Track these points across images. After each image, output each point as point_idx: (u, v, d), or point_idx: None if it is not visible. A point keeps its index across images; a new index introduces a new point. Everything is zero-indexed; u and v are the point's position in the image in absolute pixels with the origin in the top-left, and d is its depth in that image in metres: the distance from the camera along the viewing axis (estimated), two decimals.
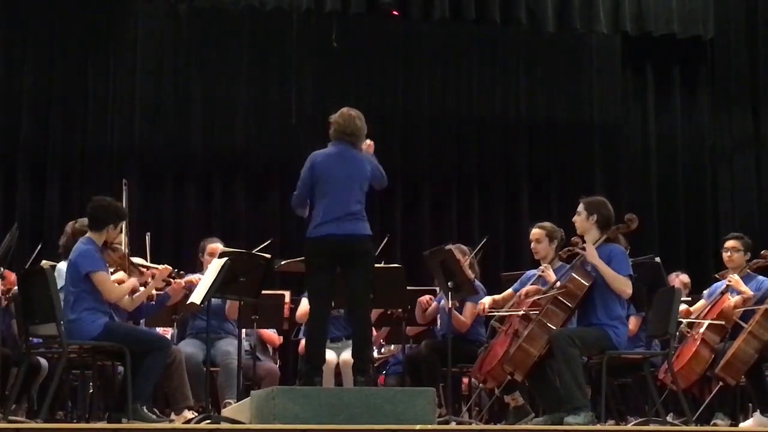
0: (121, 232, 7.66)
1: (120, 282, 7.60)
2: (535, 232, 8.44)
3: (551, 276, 7.99)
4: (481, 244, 9.27)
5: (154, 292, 7.94)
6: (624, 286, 7.43)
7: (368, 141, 7.63)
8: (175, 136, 12.39)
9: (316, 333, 7.40)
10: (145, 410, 7.29)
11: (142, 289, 7.86)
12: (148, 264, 8.03)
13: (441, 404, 8.33)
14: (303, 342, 9.46)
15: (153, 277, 7.80)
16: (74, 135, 12.07)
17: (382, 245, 9.46)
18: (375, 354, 10.43)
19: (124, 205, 7.79)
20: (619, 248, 7.56)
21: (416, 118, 13.02)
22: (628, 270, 7.49)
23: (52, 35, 12.11)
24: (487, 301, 8.52)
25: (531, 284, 8.23)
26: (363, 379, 7.20)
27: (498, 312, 8.43)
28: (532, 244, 8.45)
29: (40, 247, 9.05)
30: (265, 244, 8.64)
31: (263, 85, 12.64)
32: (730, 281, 8.72)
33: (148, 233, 8.41)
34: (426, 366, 8.70)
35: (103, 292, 7.34)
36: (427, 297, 9.05)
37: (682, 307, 8.73)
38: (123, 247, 7.74)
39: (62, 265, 7.81)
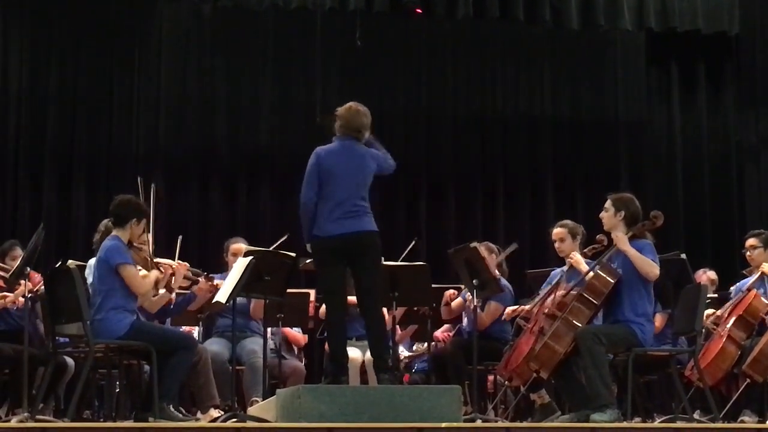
0: (144, 230, 7.68)
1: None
2: (557, 231, 8.45)
3: (583, 266, 7.94)
4: (510, 250, 9.20)
5: (174, 292, 8.00)
6: (651, 267, 7.40)
7: None
8: (200, 136, 12.44)
9: (335, 330, 7.40)
10: (172, 409, 7.31)
11: (162, 291, 7.92)
12: (166, 261, 8.05)
13: (467, 402, 8.34)
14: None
15: (173, 275, 7.85)
16: (99, 136, 12.12)
17: (409, 249, 9.44)
18: (406, 352, 10.46)
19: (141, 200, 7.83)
20: (647, 242, 7.54)
21: (440, 117, 13.02)
22: (655, 260, 7.47)
23: (77, 38, 12.16)
24: (509, 309, 8.60)
25: (552, 287, 8.20)
26: (387, 376, 7.17)
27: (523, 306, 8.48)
28: (556, 244, 8.46)
29: (65, 255, 9.04)
30: (282, 240, 8.63)
31: (287, 85, 12.67)
32: (764, 270, 8.68)
33: (180, 236, 8.43)
34: (451, 364, 8.70)
35: (131, 285, 7.37)
36: (451, 291, 9.04)
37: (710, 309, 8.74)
38: (148, 247, 7.78)
39: (93, 261, 7.84)
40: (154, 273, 7.64)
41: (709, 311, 8.79)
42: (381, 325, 7.50)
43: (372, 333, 7.39)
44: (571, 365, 7.55)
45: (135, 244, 7.66)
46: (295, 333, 9.72)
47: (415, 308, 9.20)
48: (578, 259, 8.06)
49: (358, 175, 7.35)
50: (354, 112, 7.49)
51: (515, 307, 8.69)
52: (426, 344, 10.18)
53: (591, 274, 7.55)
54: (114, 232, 7.58)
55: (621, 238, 7.48)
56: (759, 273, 8.73)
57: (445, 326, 10.00)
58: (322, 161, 7.36)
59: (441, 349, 9.14)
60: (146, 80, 12.30)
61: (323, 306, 9.16)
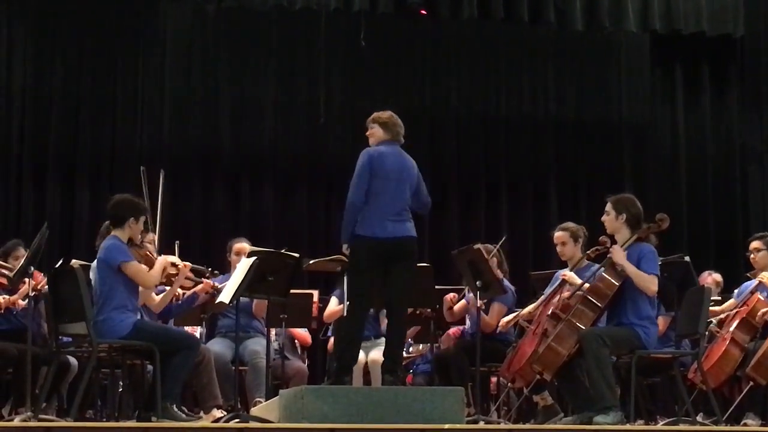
0: (145, 228, 7.68)
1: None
2: (559, 235, 8.45)
3: (576, 280, 7.96)
4: (500, 243, 9.15)
5: (179, 291, 8.01)
6: (649, 283, 7.39)
7: None
8: (204, 135, 12.44)
9: (351, 334, 7.39)
10: (175, 409, 7.30)
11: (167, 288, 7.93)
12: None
13: (470, 404, 8.33)
14: (332, 340, 9.50)
15: (176, 275, 7.86)
16: (103, 135, 12.13)
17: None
18: (403, 353, 10.45)
19: (144, 193, 7.82)
20: (649, 247, 7.52)
21: (444, 118, 13.02)
22: (655, 269, 7.45)
23: (81, 36, 12.17)
24: (503, 321, 8.62)
25: (556, 288, 8.20)
26: (391, 378, 7.20)
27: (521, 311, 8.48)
28: (558, 248, 8.46)
29: (68, 255, 9.04)
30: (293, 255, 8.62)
31: (291, 85, 12.67)
32: (761, 279, 8.68)
33: (177, 242, 8.43)
34: (455, 365, 8.69)
35: (138, 281, 7.37)
36: (451, 295, 9.01)
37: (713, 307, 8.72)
38: (154, 246, 7.79)
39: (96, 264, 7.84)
40: (161, 260, 7.62)
41: (716, 308, 8.79)
42: (402, 328, 7.59)
43: (392, 335, 7.43)
44: (574, 367, 7.54)
45: (136, 242, 7.66)
46: (303, 333, 9.72)
47: (418, 311, 9.19)
48: (571, 275, 8.06)
49: (407, 180, 7.43)
50: (396, 119, 7.62)
51: (510, 317, 8.70)
52: (421, 345, 10.22)
53: (599, 273, 7.54)
54: (113, 233, 7.57)
55: (618, 254, 7.48)
56: (756, 282, 8.73)
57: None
58: (374, 162, 7.38)
59: (444, 350, 9.12)
60: (150, 80, 12.30)
61: (327, 308, 9.20)
